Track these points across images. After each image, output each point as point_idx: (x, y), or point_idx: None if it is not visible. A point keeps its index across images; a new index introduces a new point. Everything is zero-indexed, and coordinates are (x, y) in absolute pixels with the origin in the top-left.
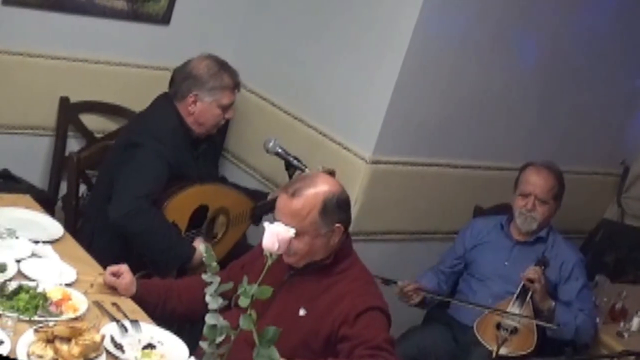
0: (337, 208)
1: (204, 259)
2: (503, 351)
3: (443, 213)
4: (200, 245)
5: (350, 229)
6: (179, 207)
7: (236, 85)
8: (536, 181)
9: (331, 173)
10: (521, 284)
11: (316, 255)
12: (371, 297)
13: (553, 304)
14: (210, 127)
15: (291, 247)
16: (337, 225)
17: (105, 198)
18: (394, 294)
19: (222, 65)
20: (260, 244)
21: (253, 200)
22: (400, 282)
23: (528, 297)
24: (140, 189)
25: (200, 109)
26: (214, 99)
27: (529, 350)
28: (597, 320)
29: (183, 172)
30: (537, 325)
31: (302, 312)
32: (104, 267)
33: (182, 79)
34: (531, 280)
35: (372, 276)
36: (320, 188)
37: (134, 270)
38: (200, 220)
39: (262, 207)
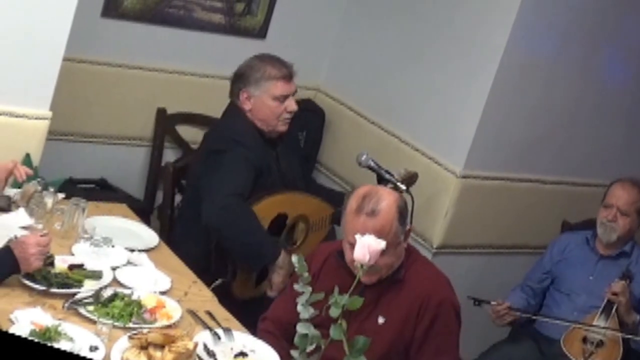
0: (407, 211)
1: (295, 269)
2: None
3: (531, 228)
4: (293, 257)
5: (440, 242)
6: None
7: (285, 76)
8: (620, 193)
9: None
10: (606, 298)
11: (396, 263)
12: (441, 287)
13: (638, 317)
14: (274, 123)
15: (378, 264)
16: (408, 227)
17: (188, 206)
18: (486, 315)
19: (263, 58)
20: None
21: (333, 206)
22: (493, 302)
23: (613, 311)
24: (231, 188)
25: (254, 105)
26: (262, 90)
27: None
28: None
29: (265, 173)
30: (622, 339)
31: (381, 321)
32: None
33: (232, 82)
34: (616, 294)
35: (430, 262)
36: (389, 198)
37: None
38: (279, 229)
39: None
